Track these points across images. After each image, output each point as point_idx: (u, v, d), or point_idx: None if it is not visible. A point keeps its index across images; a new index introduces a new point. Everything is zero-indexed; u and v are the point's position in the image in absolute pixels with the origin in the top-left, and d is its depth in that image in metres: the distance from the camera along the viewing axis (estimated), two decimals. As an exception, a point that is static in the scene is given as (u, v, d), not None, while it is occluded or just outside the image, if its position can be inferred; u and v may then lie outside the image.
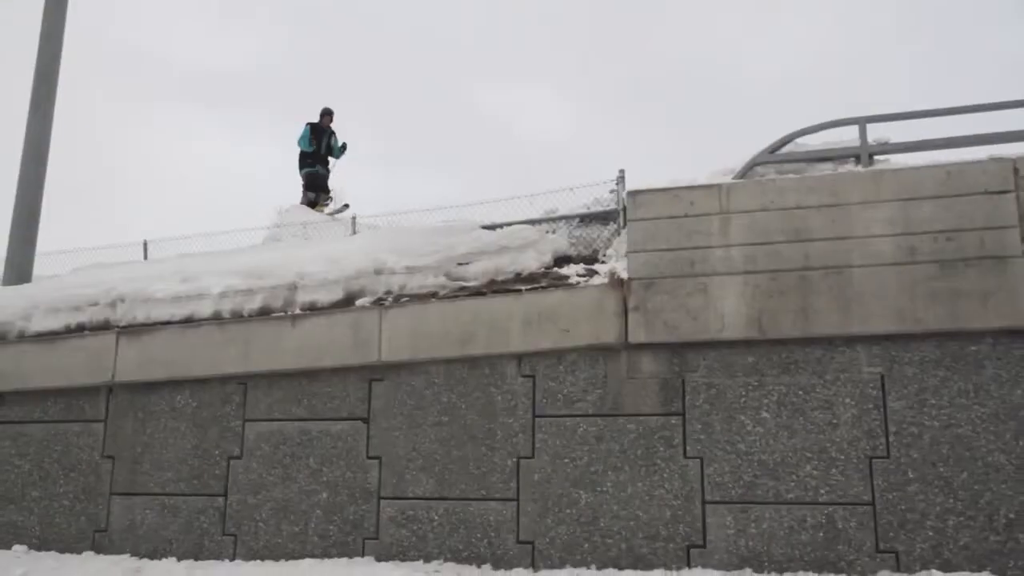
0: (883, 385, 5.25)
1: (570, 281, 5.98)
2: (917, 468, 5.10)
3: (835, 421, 5.28)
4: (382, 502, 5.97)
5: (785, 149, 5.83)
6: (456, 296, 6.19)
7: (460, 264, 6.45)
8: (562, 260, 6.31)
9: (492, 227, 6.64)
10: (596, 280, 5.90)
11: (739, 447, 5.40)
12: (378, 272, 6.51)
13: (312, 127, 10.59)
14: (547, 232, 6.44)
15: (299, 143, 10.54)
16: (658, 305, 5.66)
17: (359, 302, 6.36)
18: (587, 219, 6.35)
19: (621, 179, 6.25)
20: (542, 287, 5.99)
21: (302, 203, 10.47)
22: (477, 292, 6.15)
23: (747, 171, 5.81)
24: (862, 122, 5.68)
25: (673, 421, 5.55)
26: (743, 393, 5.46)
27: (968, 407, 5.09)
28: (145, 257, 8.39)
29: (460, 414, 5.95)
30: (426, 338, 6.10)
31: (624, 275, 5.80)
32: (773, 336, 5.44)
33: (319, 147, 10.61)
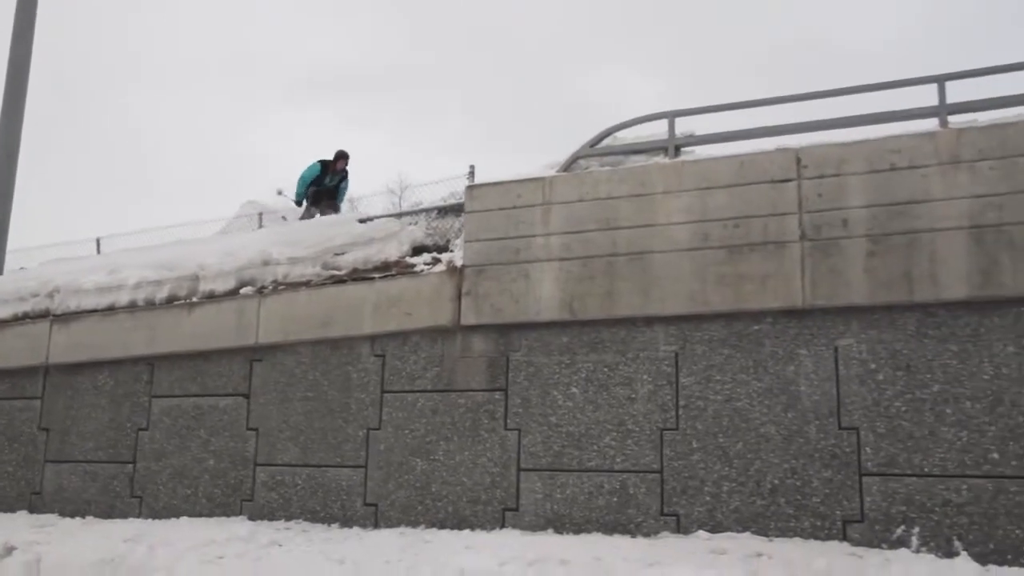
0: (677, 362, 5.67)
1: (416, 269, 6.56)
2: (700, 439, 5.51)
3: (633, 396, 5.73)
4: (257, 468, 6.72)
5: (605, 142, 6.23)
6: (324, 284, 6.86)
7: (336, 255, 7.10)
8: (419, 249, 6.88)
9: (366, 220, 7.26)
10: (438, 268, 6.47)
11: (551, 420, 5.91)
12: (265, 263, 7.23)
13: (324, 166, 9.81)
14: (410, 224, 7.02)
15: (297, 184, 9.74)
16: (487, 290, 6.19)
17: (244, 291, 7.10)
18: (444, 211, 6.89)
19: (471, 174, 6.77)
20: (392, 275, 6.60)
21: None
22: (342, 280, 6.80)
23: (570, 164, 6.24)
24: (671, 116, 6.03)
25: (497, 396, 6.09)
26: (557, 370, 5.96)
27: (747, 382, 5.47)
28: (98, 252, 9.33)
29: (323, 390, 6.63)
30: (295, 322, 6.79)
31: (459, 263, 6.34)
32: (583, 318, 5.90)
33: (322, 183, 9.77)
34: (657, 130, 6.14)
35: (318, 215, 9.72)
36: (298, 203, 9.42)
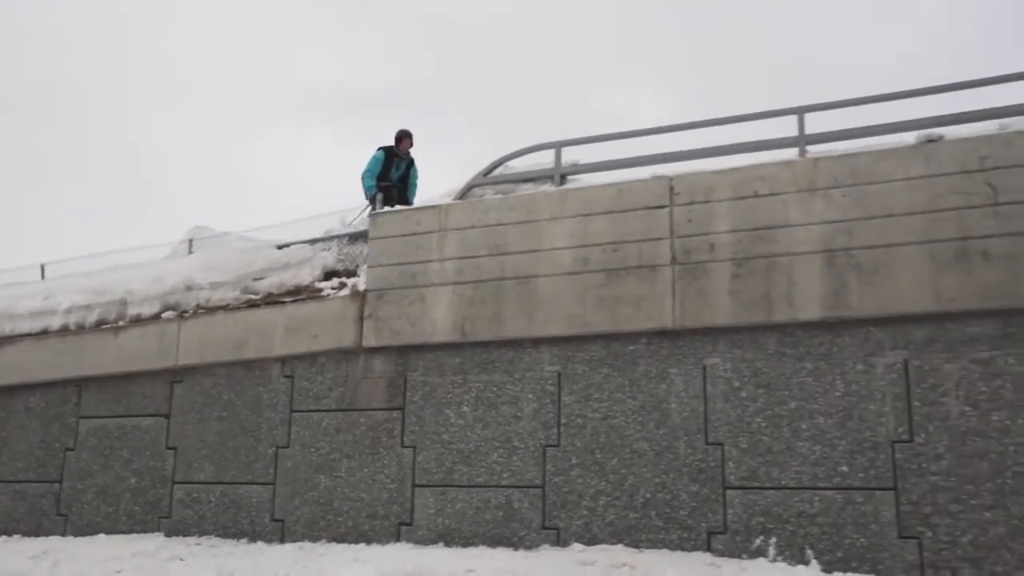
0: (559, 382, 5.92)
1: (324, 293, 6.84)
2: (579, 455, 5.76)
3: (519, 414, 5.98)
4: (175, 486, 6.97)
5: (497, 171, 6.53)
6: (240, 308, 7.14)
7: (255, 279, 7.39)
8: (331, 274, 7.16)
9: (284, 246, 7.55)
10: (343, 292, 6.75)
11: (444, 437, 6.16)
12: (189, 288, 7.51)
13: (387, 152, 8.22)
14: (322, 250, 7.31)
15: (363, 177, 8.03)
16: (386, 313, 6.46)
17: (166, 315, 7.38)
18: (354, 238, 7.18)
19: (380, 201, 7.06)
20: (302, 299, 6.88)
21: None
22: (256, 304, 7.08)
23: (465, 192, 6.53)
24: (558, 146, 6.33)
25: (395, 415, 6.35)
26: (450, 390, 6.22)
27: (623, 400, 5.72)
28: (42, 277, 9.61)
29: (236, 410, 6.89)
30: (212, 345, 7.07)
31: (363, 287, 6.62)
32: (474, 339, 6.17)
33: (388, 174, 8.11)
34: (548, 159, 6.44)
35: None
36: (371, 199, 7.77)
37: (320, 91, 34.08)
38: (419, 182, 8.45)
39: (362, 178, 8.01)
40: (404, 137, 8.29)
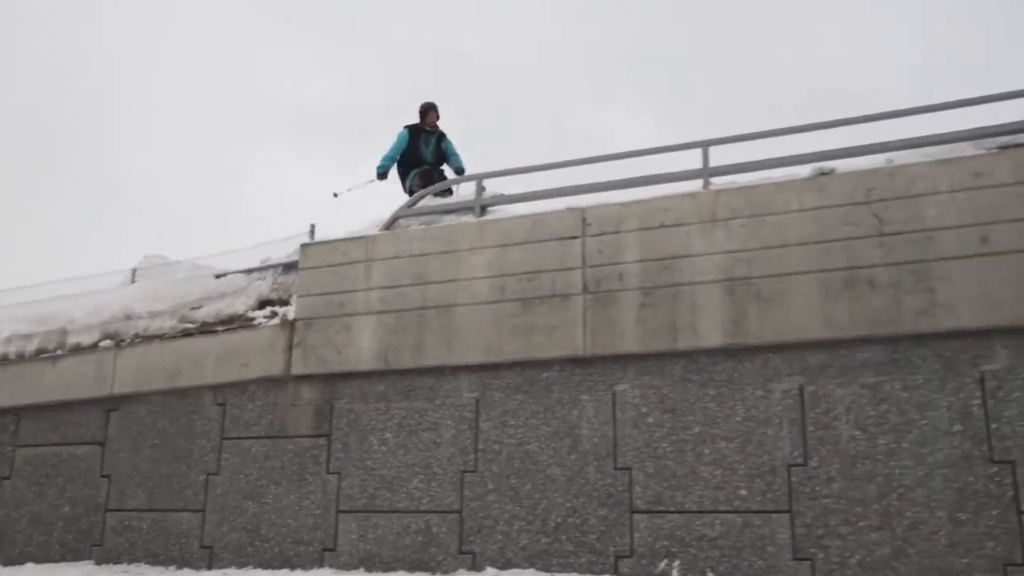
0: (477, 408, 6.07)
1: (255, 322, 6.98)
2: (495, 480, 5.90)
3: (439, 440, 6.12)
4: (108, 514, 7.04)
5: (422, 203, 6.72)
6: (175, 337, 7.26)
7: (193, 308, 7.52)
8: (265, 303, 7.30)
9: (222, 275, 7.69)
10: (273, 321, 6.89)
11: (367, 464, 6.28)
12: (128, 317, 7.63)
13: (411, 130, 7.76)
14: (257, 280, 7.45)
15: (382, 162, 7.71)
16: (314, 342, 6.60)
17: (103, 343, 7.49)
18: (288, 267, 7.33)
19: (312, 232, 7.23)
20: (234, 328, 7.01)
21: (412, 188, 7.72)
22: (190, 332, 7.21)
23: (391, 223, 6.71)
24: (479, 178, 6.53)
25: (321, 442, 6.47)
26: (374, 417, 6.36)
27: (537, 426, 5.88)
28: (-10, 306, 9.68)
29: (170, 438, 6.99)
30: (147, 373, 7.18)
31: (292, 316, 6.77)
32: (396, 367, 6.32)
33: (418, 152, 7.70)
34: (471, 191, 6.64)
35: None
36: (381, 176, 7.60)
37: (312, 115, 34.12)
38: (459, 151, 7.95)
39: (381, 162, 7.72)
40: (429, 110, 7.78)
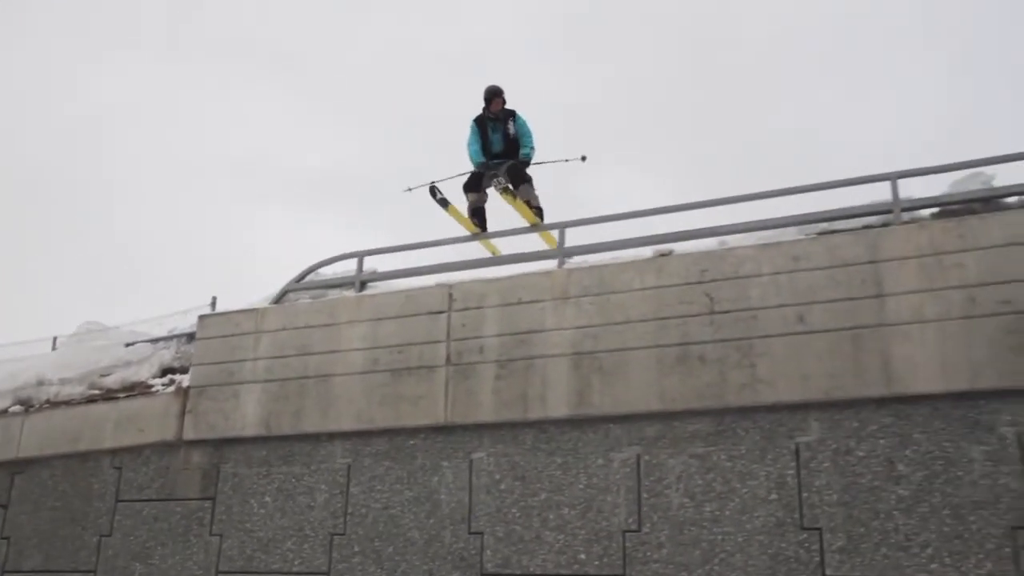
0: (349, 473, 6.38)
1: (154, 390, 7.32)
2: (361, 543, 6.17)
3: (313, 504, 6.41)
4: (4, 575, 7.28)
5: (309, 278, 7.13)
6: (80, 403, 7.59)
7: (102, 376, 7.87)
8: (168, 371, 7.65)
9: (132, 344, 8.07)
10: (170, 389, 7.23)
11: (247, 526, 6.56)
12: (40, 383, 7.98)
13: (478, 122, 7.48)
14: (163, 348, 7.82)
15: (470, 154, 7.54)
16: (205, 408, 6.94)
17: (13, 409, 7.82)
18: (192, 337, 7.70)
19: (213, 304, 7.63)
20: (134, 395, 7.35)
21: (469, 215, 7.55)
22: (94, 399, 7.55)
23: (280, 297, 7.12)
24: (360, 255, 6.96)
25: (207, 504, 6.75)
26: (256, 480, 6.65)
27: (401, 491, 6.18)
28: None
29: (69, 500, 7.27)
30: (51, 437, 7.49)
31: (186, 384, 7.12)
32: (277, 433, 6.64)
33: (488, 145, 7.47)
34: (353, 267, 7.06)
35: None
36: (481, 168, 7.34)
37: (312, 178, 34.63)
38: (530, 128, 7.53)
39: (468, 147, 7.53)
40: (494, 96, 7.37)
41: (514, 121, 7.46)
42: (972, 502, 4.86)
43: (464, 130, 7.71)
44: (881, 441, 5.14)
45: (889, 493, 5.03)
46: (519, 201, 7.24)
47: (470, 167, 7.65)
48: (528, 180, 7.40)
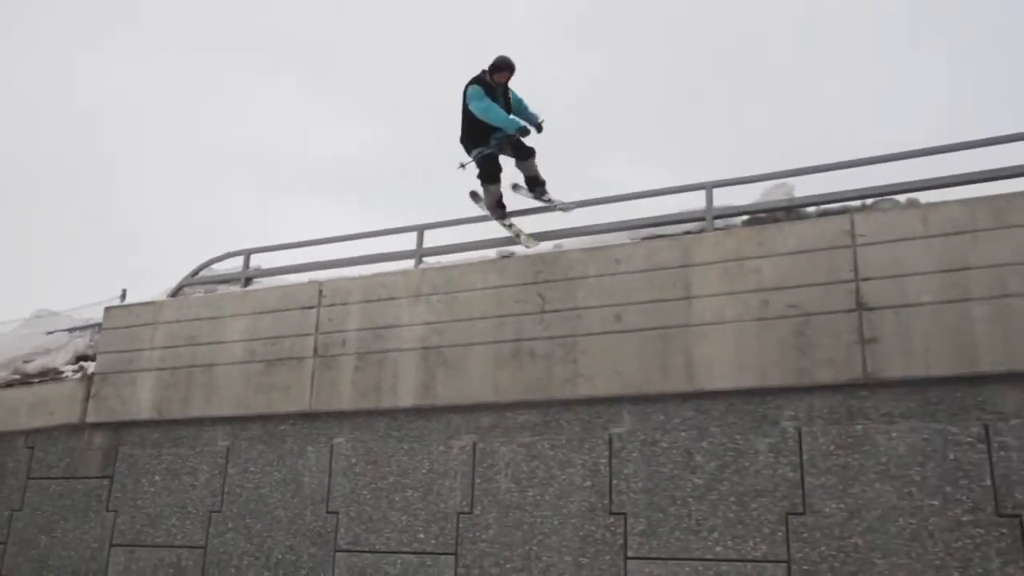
0: (228, 455, 6.91)
1: (64, 376, 7.89)
2: (234, 520, 6.70)
3: (195, 483, 6.95)
4: (-67, 544, 7.92)
5: (202, 273, 7.63)
6: (3, 387, 8.19)
7: (25, 361, 8.46)
8: (82, 358, 8.22)
9: (52, 332, 8.64)
10: (78, 375, 7.79)
11: (138, 503, 7.12)
12: (-30, 368, 8.58)
13: (481, 84, 6.42)
14: (78, 337, 8.38)
15: (488, 111, 6.29)
16: (106, 393, 7.49)
17: (-56, 391, 8.43)
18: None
19: (123, 296, 8.17)
20: (47, 380, 7.93)
21: (488, 205, 6.72)
22: (11, 383, 8.13)
23: (177, 290, 7.62)
24: (246, 253, 7.44)
25: (105, 483, 7.32)
26: (148, 461, 7.21)
27: (271, 473, 6.69)
28: None
29: (-12, 477, 7.89)
30: (-26, 419, 8.11)
31: (91, 371, 7.67)
32: (168, 417, 7.18)
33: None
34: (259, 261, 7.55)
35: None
36: (523, 132, 6.35)
37: (335, 166, 34.87)
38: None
39: (487, 112, 6.26)
40: (503, 67, 6.46)
41: (510, 95, 6.66)
42: (755, 490, 5.27)
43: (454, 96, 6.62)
44: (683, 433, 5.55)
45: (686, 482, 5.46)
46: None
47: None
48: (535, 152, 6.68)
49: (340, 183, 35.92)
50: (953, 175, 5.42)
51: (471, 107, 6.35)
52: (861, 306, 5.22)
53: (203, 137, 36.81)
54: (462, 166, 6.62)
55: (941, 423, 4.98)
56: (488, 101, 6.36)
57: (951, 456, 4.93)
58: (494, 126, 6.36)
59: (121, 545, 7.05)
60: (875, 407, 5.18)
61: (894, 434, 5.07)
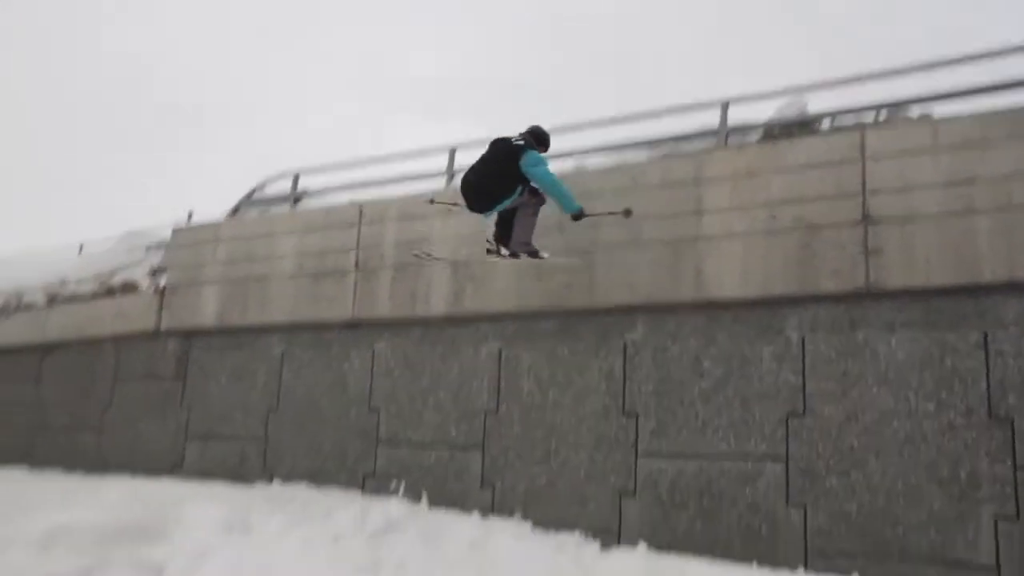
0: (282, 360, 7.60)
1: (141, 289, 8.70)
2: (290, 417, 7.42)
3: (255, 385, 7.69)
4: (38, 432, 9.02)
5: (257, 195, 8.19)
6: (92, 298, 9.09)
7: (110, 276, 9.32)
8: (156, 271, 9.00)
9: (133, 248, 9.45)
10: (153, 288, 8.58)
11: (207, 402, 7.94)
12: (63, 283, 9.52)
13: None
14: (154, 254, 9.16)
15: (542, 173, 5.84)
16: (177, 305, 8.26)
17: (39, 301, 9.41)
18: (174, 245, 8.96)
19: (189, 217, 8.85)
20: (127, 293, 8.76)
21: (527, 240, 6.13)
22: (98, 295, 9.01)
23: (235, 211, 8.23)
24: (295, 174, 7.93)
25: (178, 384, 8.17)
26: (214, 365, 7.99)
27: (321, 376, 7.35)
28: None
29: (83, 380, 8.86)
30: (69, 327, 9.05)
31: (163, 284, 8.44)
32: (228, 324, 7.90)
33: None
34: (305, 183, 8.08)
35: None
36: (577, 216, 5.87)
37: (436, 87, 35.13)
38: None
39: (556, 184, 5.85)
40: (548, 144, 6.21)
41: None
42: (758, 394, 5.57)
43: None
44: (692, 341, 5.86)
45: (694, 385, 5.79)
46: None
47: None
48: None
49: (445, 100, 36.07)
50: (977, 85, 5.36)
51: (535, 170, 5.83)
52: (867, 219, 5.33)
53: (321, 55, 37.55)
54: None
55: (940, 331, 5.13)
56: (558, 178, 5.93)
57: (948, 363, 5.09)
58: (547, 192, 5.94)
59: (195, 438, 7.92)
60: (877, 316, 5.35)
61: (894, 342, 5.25)
